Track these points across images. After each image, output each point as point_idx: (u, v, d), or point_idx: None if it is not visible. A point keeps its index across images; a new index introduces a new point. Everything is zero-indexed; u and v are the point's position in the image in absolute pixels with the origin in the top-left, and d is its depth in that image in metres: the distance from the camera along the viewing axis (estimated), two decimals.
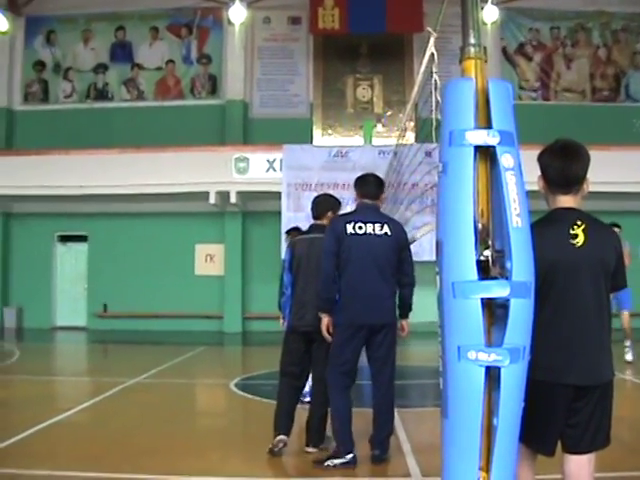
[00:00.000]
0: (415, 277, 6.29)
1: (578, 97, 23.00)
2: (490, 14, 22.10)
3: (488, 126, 2.89)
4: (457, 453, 2.85)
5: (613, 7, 22.76)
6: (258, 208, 21.50)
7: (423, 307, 20.35)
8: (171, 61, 23.58)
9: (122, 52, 23.77)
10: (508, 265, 2.78)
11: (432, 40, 5.11)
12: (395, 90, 22.99)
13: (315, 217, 6.81)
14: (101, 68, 23.75)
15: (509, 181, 2.83)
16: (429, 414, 8.09)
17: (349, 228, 6.01)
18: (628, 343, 12.27)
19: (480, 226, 2.88)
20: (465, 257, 2.80)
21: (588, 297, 3.36)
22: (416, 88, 6.77)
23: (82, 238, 22.65)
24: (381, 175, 7.06)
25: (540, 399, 3.25)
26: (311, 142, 22.03)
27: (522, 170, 2.88)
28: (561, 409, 3.37)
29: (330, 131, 23.00)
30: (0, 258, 22.34)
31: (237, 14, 22.48)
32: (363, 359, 6.16)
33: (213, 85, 23.43)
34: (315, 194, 7.76)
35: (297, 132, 21.79)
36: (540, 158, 3.52)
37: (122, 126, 22.60)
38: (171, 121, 22.60)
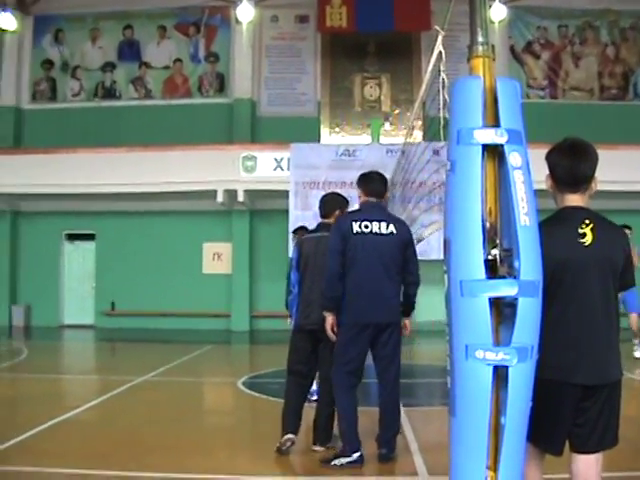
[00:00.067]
0: (420, 276, 6.28)
1: (586, 96, 22.94)
2: (498, 12, 22.06)
3: (496, 125, 2.88)
4: (465, 452, 2.85)
5: (621, 5, 22.68)
6: (266, 207, 21.51)
7: (430, 306, 20.35)
8: (179, 60, 23.59)
9: (130, 51, 23.80)
10: (516, 264, 2.78)
11: (440, 38, 5.10)
12: (403, 89, 22.96)
13: (323, 216, 6.80)
14: (109, 67, 23.78)
15: (517, 180, 2.82)
16: (436, 413, 8.08)
17: (355, 227, 5.99)
18: (637, 341, 12.35)
19: (488, 225, 2.88)
20: (473, 256, 2.80)
21: (596, 296, 3.35)
22: (424, 86, 6.76)
23: (90, 236, 22.70)
24: (389, 174, 7.06)
25: (548, 398, 3.24)
26: (319, 141, 22.04)
27: (530, 169, 2.88)
28: (569, 408, 3.36)
29: (338, 130, 22.99)
30: (8, 256, 22.39)
31: (245, 13, 22.48)
32: (368, 358, 6.15)
33: (221, 84, 23.43)
34: (323, 193, 7.74)
35: (305, 131, 21.79)
36: (548, 157, 3.51)
37: (130, 125, 22.63)
38: (179, 120, 22.62)
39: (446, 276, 2.91)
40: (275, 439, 6.32)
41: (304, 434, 6.58)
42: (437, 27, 5.17)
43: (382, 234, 6.02)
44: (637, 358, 12.23)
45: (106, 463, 5.97)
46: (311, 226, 7.59)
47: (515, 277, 2.77)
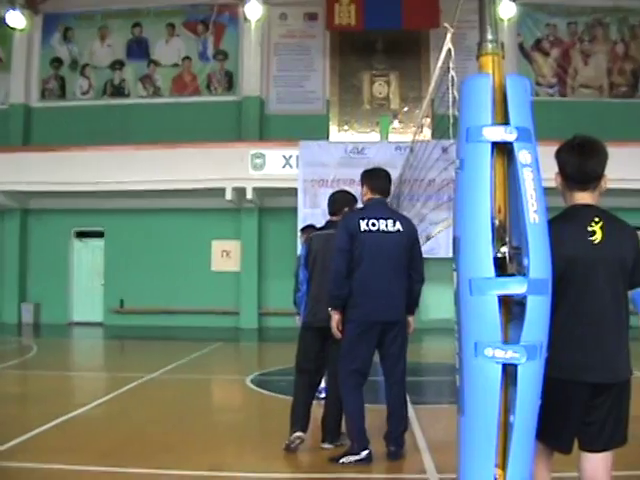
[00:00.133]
0: (424, 273, 6.28)
1: (595, 93, 22.89)
2: (507, 10, 22.00)
3: (505, 122, 2.88)
4: (473, 450, 2.84)
5: (631, 2, 22.61)
6: (274, 204, 21.53)
7: (439, 304, 20.34)
8: (187, 57, 23.63)
9: (138, 49, 23.85)
10: (525, 262, 2.77)
11: (449, 36, 5.09)
12: (411, 86, 22.95)
13: (331, 213, 6.79)
14: (118, 65, 23.85)
15: (526, 177, 2.81)
16: (445, 411, 8.07)
17: (362, 225, 5.97)
18: None
19: (497, 222, 2.87)
20: (482, 254, 2.79)
21: (605, 294, 3.34)
22: (432, 84, 6.75)
23: (99, 234, 22.78)
24: (398, 171, 7.05)
25: (557, 396, 3.23)
26: (327, 138, 22.04)
27: (539, 166, 2.87)
28: (578, 407, 3.35)
29: (346, 127, 23.00)
30: (17, 254, 22.47)
31: (253, 10, 22.49)
32: (375, 356, 6.15)
33: (229, 81, 23.47)
34: (331, 190, 7.73)
35: (313, 128, 21.81)
36: (557, 155, 3.50)
37: (139, 122, 22.69)
38: (187, 117, 22.66)
39: (455, 274, 2.90)
40: (284, 437, 6.32)
41: (313, 432, 6.57)
42: (446, 24, 5.15)
43: (389, 232, 6.01)
44: None
45: (114, 460, 5.99)
46: (320, 224, 7.59)
47: (524, 275, 2.76)
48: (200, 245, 21.97)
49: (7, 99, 23.75)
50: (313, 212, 18.30)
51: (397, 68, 23.14)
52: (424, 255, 6.36)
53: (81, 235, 23.20)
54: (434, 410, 8.67)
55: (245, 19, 22.94)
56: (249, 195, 20.16)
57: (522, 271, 2.79)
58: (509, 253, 2.85)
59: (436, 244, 15.72)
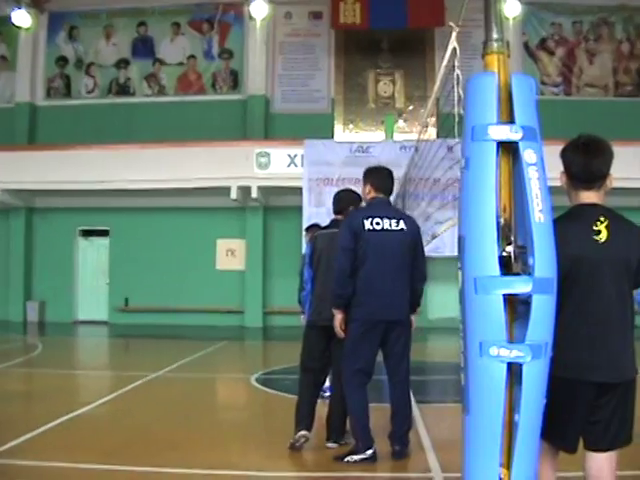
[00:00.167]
0: (426, 272, 6.27)
1: (601, 92, 22.84)
2: (512, 9, 21.96)
3: (511, 121, 2.88)
4: (478, 449, 2.84)
5: (636, 1, 22.54)
6: (279, 203, 21.53)
7: (444, 302, 20.32)
8: (192, 56, 23.64)
9: (144, 47, 23.86)
10: (530, 261, 2.77)
11: (454, 35, 5.08)
12: (417, 85, 22.94)
13: (336, 212, 6.79)
14: (123, 63, 23.86)
15: (532, 176, 2.81)
16: (449, 410, 8.06)
17: (367, 224, 5.96)
18: None
19: (502, 221, 2.87)
20: (487, 253, 2.79)
21: (611, 293, 3.33)
22: (438, 83, 6.74)
23: (104, 232, 22.81)
24: (403, 170, 7.04)
25: (562, 396, 3.23)
26: (332, 137, 22.02)
27: (545, 165, 2.87)
28: (583, 406, 3.35)
29: (351, 126, 22.98)
30: (23, 252, 22.51)
31: (258, 9, 22.49)
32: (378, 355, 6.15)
33: (234, 80, 23.47)
34: (336, 189, 7.73)
35: (318, 127, 21.81)
36: (563, 154, 3.49)
37: (144, 121, 22.70)
38: (192, 116, 22.66)
39: (460, 273, 2.90)
40: (288, 435, 6.32)
41: (317, 430, 6.57)
42: (451, 23, 5.15)
43: (393, 230, 6.00)
44: None
45: (119, 459, 5.99)
46: (325, 223, 7.58)
47: (529, 274, 2.77)
48: (205, 244, 21.99)
49: (13, 98, 23.77)
50: (318, 211, 18.31)
51: (402, 67, 23.12)
52: (429, 254, 6.37)
53: (86, 233, 23.23)
54: (439, 409, 8.68)
55: (250, 18, 22.93)
56: (254, 194, 20.17)
57: (527, 270, 2.79)
58: (514, 252, 2.85)
59: (441, 243, 15.72)
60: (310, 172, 19.58)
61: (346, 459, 5.85)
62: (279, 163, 20.06)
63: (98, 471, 5.67)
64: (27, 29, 23.41)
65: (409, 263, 6.06)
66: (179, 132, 21.65)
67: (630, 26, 22.96)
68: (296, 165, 19.93)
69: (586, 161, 3.40)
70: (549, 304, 2.79)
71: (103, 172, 20.05)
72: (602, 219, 3.36)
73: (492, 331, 2.75)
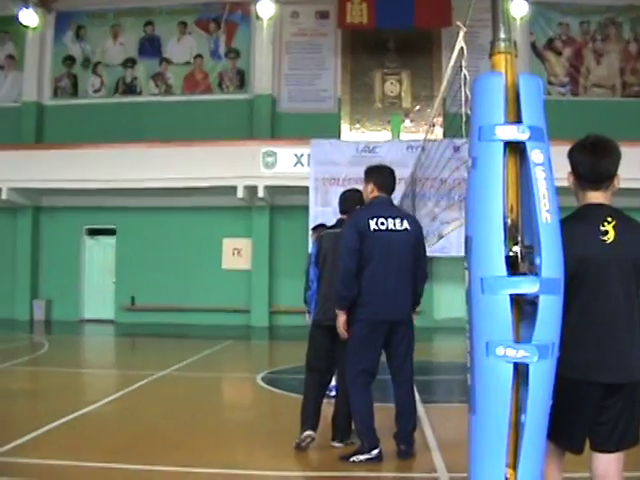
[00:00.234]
0: (427, 271, 6.28)
1: (608, 92, 22.79)
2: (519, 9, 21.92)
3: (518, 121, 2.87)
4: (484, 449, 2.84)
5: None
6: (286, 202, 21.53)
7: (451, 303, 20.28)
8: (199, 56, 23.65)
9: (151, 47, 23.88)
10: (537, 261, 2.77)
11: (461, 34, 5.07)
12: (423, 85, 22.92)
13: (342, 212, 6.79)
14: (130, 63, 23.89)
15: (539, 177, 2.81)
16: (455, 410, 8.06)
17: (372, 224, 5.95)
18: None
19: (509, 222, 2.87)
20: (494, 253, 2.79)
21: (618, 294, 3.33)
22: (444, 83, 6.73)
23: (110, 231, 22.84)
24: (409, 170, 7.03)
25: (568, 396, 3.22)
26: (339, 137, 22.03)
27: (552, 166, 2.86)
28: (590, 407, 3.34)
29: (358, 126, 22.97)
30: (30, 251, 22.56)
31: (265, 9, 22.48)
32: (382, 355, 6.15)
33: (241, 80, 23.48)
34: (343, 189, 7.73)
35: (325, 127, 21.81)
36: (570, 154, 3.48)
37: (150, 120, 22.72)
38: (199, 115, 22.68)
39: (467, 273, 2.90)
40: (294, 435, 6.32)
41: (323, 430, 6.57)
42: (459, 23, 5.14)
43: (397, 230, 6.00)
44: None
45: (125, 457, 6.00)
46: (331, 223, 7.58)
47: (536, 274, 2.76)
48: (211, 243, 22.01)
49: (20, 97, 23.83)
50: (324, 210, 18.33)
51: (409, 67, 23.10)
52: (436, 254, 6.39)
53: (93, 232, 23.28)
54: (445, 409, 8.66)
55: (257, 17, 22.93)
56: (260, 193, 20.19)
57: (534, 270, 2.79)
58: (521, 252, 2.85)
59: (447, 243, 15.67)
60: (316, 171, 19.59)
61: (352, 459, 5.85)
62: (285, 162, 20.06)
63: (103, 470, 5.67)
64: (34, 28, 23.46)
65: (413, 262, 6.07)
66: (186, 131, 21.67)
67: (638, 26, 22.89)
68: (302, 165, 19.93)
69: (594, 161, 3.40)
70: (556, 304, 2.79)
71: (110, 171, 20.09)
72: (609, 219, 3.35)
73: (499, 331, 2.75)
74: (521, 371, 2.78)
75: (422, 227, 6.42)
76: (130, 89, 23.85)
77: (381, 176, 6.31)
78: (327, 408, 6.72)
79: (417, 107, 22.86)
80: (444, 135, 18.44)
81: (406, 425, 6.03)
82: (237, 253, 22.22)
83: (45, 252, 22.81)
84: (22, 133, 23.19)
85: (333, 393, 7.29)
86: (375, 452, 5.83)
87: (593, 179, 3.42)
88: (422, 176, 10.55)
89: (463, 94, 5.00)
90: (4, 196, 21.12)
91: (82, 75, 24.01)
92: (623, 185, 3.58)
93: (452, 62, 5.56)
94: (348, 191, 7.04)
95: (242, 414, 8.60)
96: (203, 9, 23.60)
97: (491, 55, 3.05)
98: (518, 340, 2.79)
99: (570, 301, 3.03)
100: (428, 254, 6.45)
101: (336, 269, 6.19)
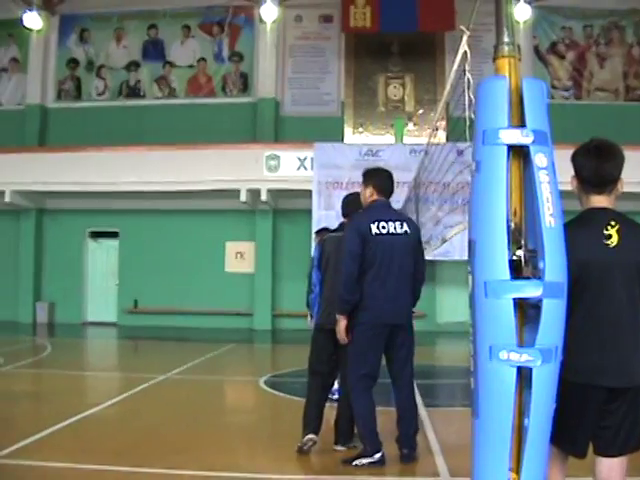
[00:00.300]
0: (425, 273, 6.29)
1: (611, 96, 22.77)
2: (523, 13, 21.93)
3: (522, 125, 2.87)
4: (487, 453, 2.83)
5: None
6: (289, 206, 21.54)
7: (454, 306, 20.27)
8: (203, 59, 23.67)
9: (154, 50, 23.91)
10: (541, 265, 2.76)
11: (465, 38, 5.07)
12: (426, 89, 22.92)
13: (345, 215, 6.79)
14: (133, 66, 23.92)
15: (542, 180, 2.81)
16: (458, 414, 8.05)
17: (374, 228, 5.96)
18: None
19: (513, 225, 2.86)
20: (497, 256, 2.78)
21: (621, 298, 3.32)
22: (448, 87, 6.73)
23: (113, 234, 22.85)
24: (413, 174, 7.04)
25: (572, 400, 3.22)
26: (342, 140, 22.03)
27: (555, 169, 2.86)
28: (593, 411, 3.33)
29: (361, 129, 22.98)
30: (33, 254, 22.58)
31: (269, 12, 22.51)
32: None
33: (244, 83, 23.50)
34: (346, 192, 7.74)
35: (328, 130, 21.82)
36: (574, 158, 3.48)
37: (154, 123, 22.74)
38: (202, 119, 22.70)
39: (470, 277, 2.89)
40: (296, 438, 6.32)
41: (325, 434, 6.57)
42: (462, 27, 5.14)
43: (398, 234, 6.01)
44: None
45: (127, 460, 6.00)
46: (334, 226, 7.59)
47: (540, 278, 2.76)
48: (214, 246, 22.01)
49: (23, 100, 23.87)
50: (327, 214, 18.31)
51: (412, 70, 23.11)
52: (439, 258, 6.41)
53: (96, 235, 23.29)
54: (448, 413, 8.65)
55: (260, 21, 22.96)
56: (263, 197, 20.18)
57: (537, 274, 2.78)
58: (525, 256, 2.84)
59: (451, 247, 15.66)
60: (320, 175, 19.58)
61: (354, 462, 5.85)
62: (289, 166, 20.06)
63: (106, 472, 5.68)
64: (38, 31, 23.51)
65: (412, 265, 6.07)
66: (189, 135, 21.70)
67: None
68: (306, 168, 19.92)
69: (597, 165, 3.39)
70: (559, 308, 2.78)
71: (113, 174, 20.11)
72: (613, 223, 3.35)
73: (502, 335, 2.74)
74: (524, 375, 2.77)
75: (420, 230, 6.43)
76: (134, 92, 23.88)
77: (380, 179, 6.30)
78: (329, 411, 6.73)
79: (420, 111, 22.86)
80: (447, 139, 18.42)
81: (408, 429, 6.02)
82: (240, 256, 22.22)
83: (48, 255, 22.83)
84: (26, 136, 23.22)
85: (336, 396, 7.27)
86: (378, 456, 5.83)
87: (597, 183, 3.42)
88: (425, 180, 10.54)
89: (467, 98, 5.01)
90: (7, 199, 21.13)
91: (86, 78, 24.04)
92: (627, 189, 3.59)
93: (455, 66, 5.57)
94: (351, 195, 7.03)
95: (244, 417, 8.60)
96: (207, 12, 23.63)
97: (495, 59, 3.05)
98: (521, 344, 2.78)
99: (574, 305, 3.03)
100: (431, 258, 6.47)
101: (338, 273, 6.19)
